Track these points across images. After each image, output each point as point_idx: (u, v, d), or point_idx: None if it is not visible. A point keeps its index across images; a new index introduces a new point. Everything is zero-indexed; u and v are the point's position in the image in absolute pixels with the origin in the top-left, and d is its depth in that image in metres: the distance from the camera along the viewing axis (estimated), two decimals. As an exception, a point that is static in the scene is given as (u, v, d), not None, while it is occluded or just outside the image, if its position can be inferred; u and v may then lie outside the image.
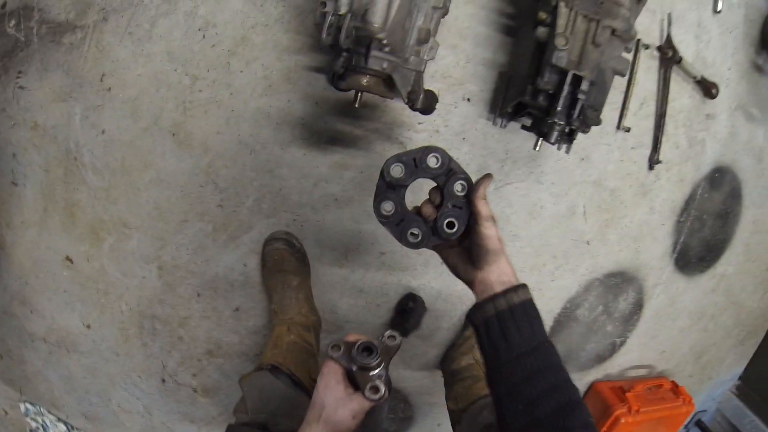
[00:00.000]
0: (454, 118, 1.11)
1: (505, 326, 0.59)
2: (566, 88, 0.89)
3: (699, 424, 2.25)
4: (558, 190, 1.23)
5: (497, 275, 0.62)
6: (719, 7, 1.32)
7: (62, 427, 1.48)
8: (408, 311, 1.22)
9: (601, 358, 1.65)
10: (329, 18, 0.76)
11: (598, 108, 1.00)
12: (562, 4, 0.87)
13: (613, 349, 1.65)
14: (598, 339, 1.58)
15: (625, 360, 1.70)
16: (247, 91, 1.07)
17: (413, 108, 0.93)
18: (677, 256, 1.55)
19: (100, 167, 1.16)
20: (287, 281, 1.09)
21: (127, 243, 1.21)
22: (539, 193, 1.22)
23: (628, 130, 1.25)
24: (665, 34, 1.25)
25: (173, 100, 1.08)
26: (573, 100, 0.91)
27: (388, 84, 0.88)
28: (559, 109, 0.90)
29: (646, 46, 1.21)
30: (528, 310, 0.61)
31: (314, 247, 1.18)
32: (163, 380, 1.37)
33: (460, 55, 1.08)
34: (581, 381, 1.70)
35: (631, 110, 1.24)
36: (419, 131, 1.11)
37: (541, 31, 0.90)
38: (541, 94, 0.93)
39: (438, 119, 1.10)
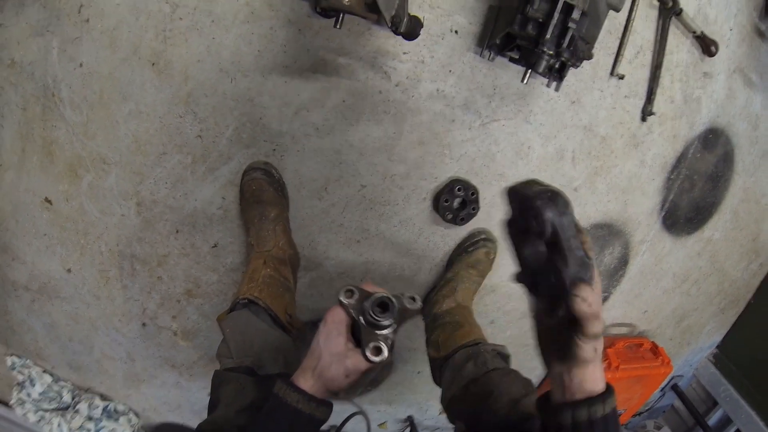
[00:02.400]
0: (441, 49, 1.03)
1: None
2: (556, 16, 0.81)
3: (675, 388, 2.23)
4: (547, 132, 1.16)
5: (591, 383, 0.49)
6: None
7: (48, 378, 1.44)
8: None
9: None
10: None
11: (590, 41, 0.93)
12: None
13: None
14: None
15: (608, 316, 1.66)
16: (229, 18, 0.99)
17: (396, 32, 0.85)
18: (665, 214, 1.49)
19: (78, 102, 1.08)
20: (265, 212, 1.02)
21: (106, 179, 1.13)
22: (527, 133, 1.15)
23: (622, 77, 1.17)
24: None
25: (153, 29, 1.00)
26: (563, 30, 0.84)
27: (370, 6, 0.80)
28: (548, 37, 0.83)
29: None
30: (615, 422, 0.50)
31: (293, 178, 1.11)
32: (144, 324, 1.32)
33: None
34: None
35: (626, 57, 1.17)
36: (404, 61, 1.03)
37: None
38: (530, 22, 0.85)
39: (424, 50, 1.03)
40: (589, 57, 0.94)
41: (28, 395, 1.43)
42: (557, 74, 0.92)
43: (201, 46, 1.01)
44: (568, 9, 0.82)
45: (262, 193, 1.01)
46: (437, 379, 1.03)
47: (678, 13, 1.18)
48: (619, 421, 0.52)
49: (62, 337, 1.38)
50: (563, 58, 0.86)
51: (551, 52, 0.84)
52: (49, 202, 1.19)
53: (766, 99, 1.47)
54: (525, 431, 0.68)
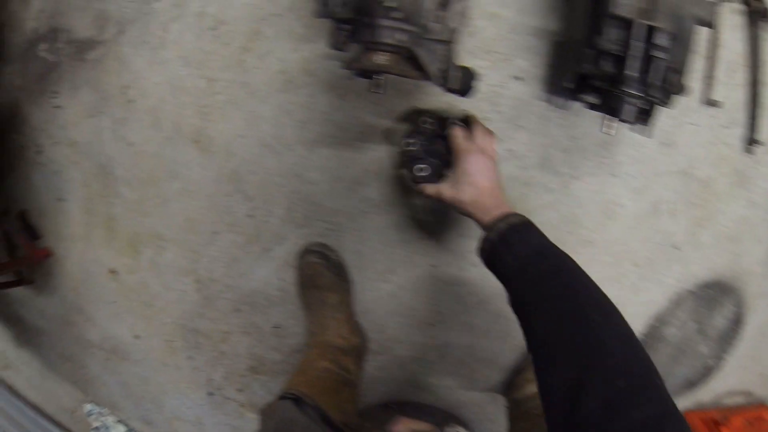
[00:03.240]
0: (504, 101, 0.90)
1: (510, 240, 0.59)
2: (637, 45, 0.65)
3: None
4: (638, 184, 0.98)
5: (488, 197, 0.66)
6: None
7: (122, 428, 1.48)
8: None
9: (691, 383, 1.33)
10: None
11: (680, 70, 0.74)
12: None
13: (706, 373, 1.33)
14: (690, 361, 1.28)
15: (721, 386, 1.37)
16: (264, 88, 0.93)
17: (447, 89, 0.73)
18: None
19: (131, 180, 1.09)
20: (324, 298, 0.94)
21: (164, 255, 1.13)
22: (615, 188, 0.97)
23: (717, 104, 0.98)
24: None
25: (191, 106, 0.98)
26: (647, 61, 0.66)
27: (411, 61, 0.68)
28: (628, 73, 0.67)
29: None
30: (528, 227, 0.62)
31: (355, 259, 1.02)
32: (210, 393, 1.30)
33: (502, 26, 0.86)
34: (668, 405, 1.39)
35: (718, 79, 0.97)
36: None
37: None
38: (604, 57, 0.70)
39: (485, 104, 0.90)
40: (682, 91, 0.76)
41: None
42: (644, 115, 0.75)
43: (240, 120, 0.97)
44: (650, 33, 0.66)
45: (319, 278, 0.93)
46: None
47: (766, 15, 0.98)
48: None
49: (134, 395, 1.41)
50: (651, 96, 0.69)
51: (636, 93, 0.68)
52: (115, 272, 1.22)
53: None
54: None
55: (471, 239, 0.97)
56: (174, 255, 1.12)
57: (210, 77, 0.94)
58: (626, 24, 0.66)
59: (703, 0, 0.70)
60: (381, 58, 0.64)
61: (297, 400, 0.76)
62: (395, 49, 0.64)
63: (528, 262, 0.57)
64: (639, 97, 0.69)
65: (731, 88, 1.00)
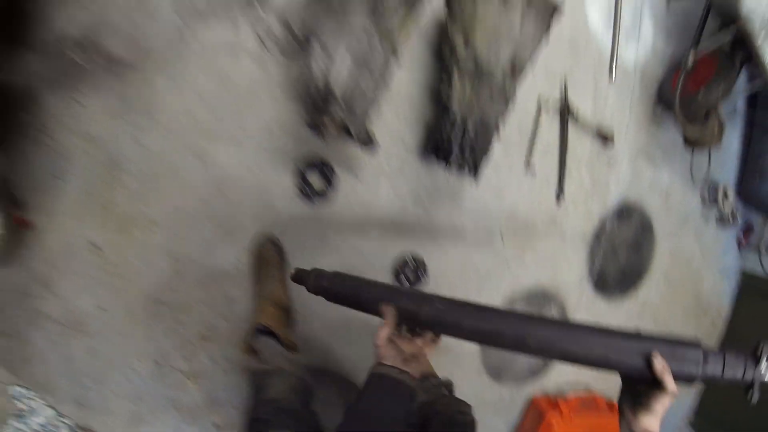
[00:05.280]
0: (393, 160, 1.39)
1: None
2: (458, 134, 1.15)
3: None
4: (476, 217, 1.44)
5: (651, 427, 0.68)
6: (614, 75, 1.57)
7: (50, 411, 1.43)
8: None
9: (534, 372, 1.74)
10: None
11: (486, 143, 1.29)
12: (455, 78, 1.14)
13: (544, 365, 1.74)
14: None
15: (561, 378, 1.78)
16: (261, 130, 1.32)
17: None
18: (595, 279, 1.69)
19: (137, 173, 1.34)
20: (271, 272, 1.31)
21: (153, 238, 1.35)
22: (461, 218, 1.42)
23: (533, 170, 1.46)
24: (563, 96, 1.50)
25: (201, 132, 1.33)
26: (466, 137, 1.21)
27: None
28: (454, 145, 1.20)
29: (546, 106, 1.47)
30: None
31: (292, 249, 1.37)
32: (156, 362, 1.43)
33: (402, 111, 1.38)
34: (519, 393, 1.79)
35: (537, 155, 1.47)
36: (367, 165, 1.38)
37: (444, 96, 1.18)
38: (444, 135, 1.19)
39: (383, 160, 1.36)
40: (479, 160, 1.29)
41: (26, 424, 1.42)
42: (470, 171, 1.22)
43: (234, 154, 1.31)
44: (465, 125, 1.15)
45: (270, 257, 1.32)
46: None
47: (573, 116, 1.50)
48: None
49: (76, 372, 1.45)
50: (465, 161, 1.18)
51: (457, 157, 1.16)
52: (98, 248, 1.36)
53: (672, 172, 1.74)
54: None
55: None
56: (161, 238, 1.33)
57: (218, 116, 1.31)
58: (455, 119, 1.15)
59: (499, 104, 1.19)
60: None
61: (270, 332, 1.15)
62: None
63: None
64: (458, 160, 1.16)
65: (547, 160, 1.49)
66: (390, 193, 1.38)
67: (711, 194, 2.00)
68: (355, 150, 1.34)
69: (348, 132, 1.15)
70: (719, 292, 2.18)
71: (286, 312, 1.30)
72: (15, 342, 1.44)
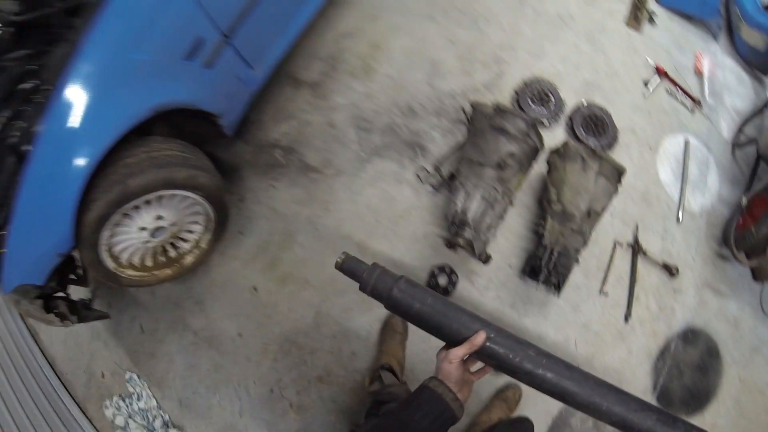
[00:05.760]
0: (501, 275, 1.80)
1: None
2: (546, 257, 1.56)
3: None
4: (557, 325, 1.77)
5: None
6: (680, 218, 1.90)
7: (153, 402, 1.65)
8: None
9: None
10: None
11: (567, 268, 1.64)
12: (549, 218, 1.59)
13: None
14: None
15: None
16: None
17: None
18: (658, 394, 1.88)
19: (305, 245, 1.80)
20: (396, 337, 1.66)
21: (303, 293, 1.72)
22: (546, 327, 1.77)
23: (606, 293, 1.79)
24: (635, 235, 1.85)
25: (362, 231, 1.81)
26: (552, 263, 1.59)
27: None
28: (543, 267, 1.58)
29: (620, 244, 1.83)
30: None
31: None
32: (272, 390, 1.68)
33: (510, 240, 1.82)
34: None
35: (610, 282, 1.80)
36: (482, 275, 1.79)
37: (540, 231, 1.61)
38: (537, 260, 1.60)
39: (493, 274, 1.79)
40: (566, 276, 1.64)
41: (129, 405, 1.67)
42: (557, 288, 1.60)
43: (387, 244, 1.82)
44: (551, 257, 1.56)
45: (397, 327, 1.69)
46: None
47: (644, 252, 1.82)
48: None
49: (193, 377, 1.69)
50: (553, 280, 1.58)
51: (545, 276, 1.55)
52: (255, 290, 1.75)
53: (741, 303, 1.93)
54: None
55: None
56: (310, 294, 1.69)
57: (378, 221, 1.80)
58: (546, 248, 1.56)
59: (578, 240, 1.58)
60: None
61: (391, 369, 1.47)
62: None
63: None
64: (546, 279, 1.55)
65: (618, 287, 1.81)
66: (495, 298, 1.76)
67: None
68: (475, 264, 1.78)
69: (472, 250, 1.59)
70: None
71: (401, 366, 1.62)
72: (148, 338, 1.74)
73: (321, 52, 2.11)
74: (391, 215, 1.83)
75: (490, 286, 1.78)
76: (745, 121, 2.18)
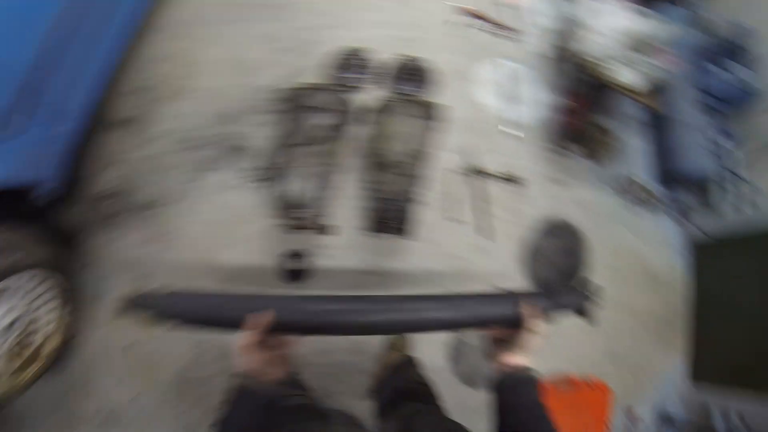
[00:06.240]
0: (351, 238, 1.87)
1: (521, 387, 0.78)
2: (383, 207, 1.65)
3: (663, 416, 2.40)
4: (423, 262, 1.90)
5: (520, 360, 0.80)
6: (511, 132, 2.05)
7: None
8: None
9: None
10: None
11: (404, 211, 1.76)
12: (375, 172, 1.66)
13: None
14: None
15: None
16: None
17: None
18: (538, 287, 2.07)
19: (160, 276, 1.64)
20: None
21: (173, 331, 1.67)
22: (412, 269, 1.89)
23: (459, 220, 1.93)
24: (471, 160, 1.99)
25: (212, 247, 1.83)
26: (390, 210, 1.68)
27: None
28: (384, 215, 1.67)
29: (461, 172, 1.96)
30: (536, 383, 0.79)
31: None
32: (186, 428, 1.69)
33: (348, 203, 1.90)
34: None
35: (460, 209, 1.94)
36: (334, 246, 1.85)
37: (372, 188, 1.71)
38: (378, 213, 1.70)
39: (344, 242, 1.87)
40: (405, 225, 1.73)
41: None
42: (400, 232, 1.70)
43: None
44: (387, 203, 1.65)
45: None
46: None
47: (483, 171, 1.97)
48: (535, 383, 0.78)
49: None
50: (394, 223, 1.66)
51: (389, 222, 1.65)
52: (131, 346, 1.71)
53: (585, 185, 2.14)
54: None
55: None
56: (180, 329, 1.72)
57: (222, 232, 1.82)
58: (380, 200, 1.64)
59: (408, 182, 1.68)
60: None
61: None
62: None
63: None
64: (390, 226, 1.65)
65: (470, 210, 1.94)
66: (356, 261, 1.85)
67: (630, 189, 2.36)
68: (323, 239, 1.84)
69: (315, 227, 1.65)
70: (673, 265, 2.48)
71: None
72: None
73: (134, 84, 2.05)
74: (231, 223, 1.85)
75: (347, 253, 1.85)
76: (555, 35, 2.39)
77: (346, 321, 0.76)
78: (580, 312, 0.88)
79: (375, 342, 1.83)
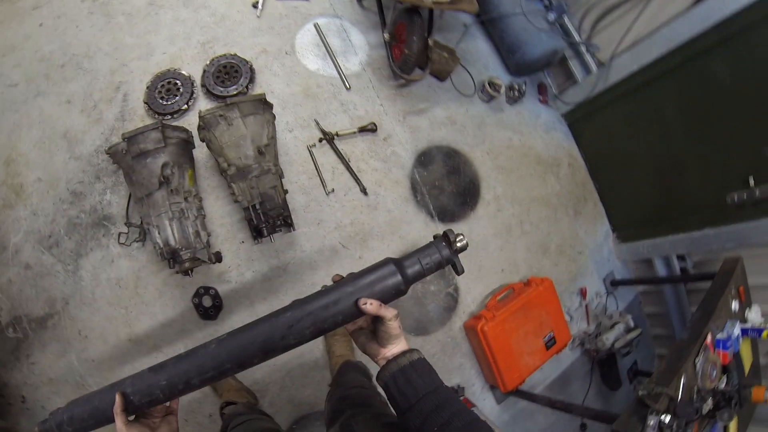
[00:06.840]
0: (241, 255, 1.87)
1: (409, 376, 0.73)
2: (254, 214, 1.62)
3: (612, 282, 2.56)
4: (316, 246, 1.91)
5: (398, 348, 0.77)
6: (349, 86, 2.02)
7: None
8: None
9: (449, 309, 2.10)
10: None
11: (277, 208, 1.73)
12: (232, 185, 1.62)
13: (453, 298, 2.11)
14: (432, 300, 2.04)
15: (472, 297, 2.14)
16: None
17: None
18: (438, 217, 2.11)
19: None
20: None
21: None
22: (308, 256, 1.90)
23: (333, 190, 1.92)
24: (320, 129, 1.96)
25: (122, 324, 1.80)
26: (262, 214, 1.64)
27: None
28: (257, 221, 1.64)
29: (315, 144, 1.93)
30: (423, 364, 0.75)
31: None
32: None
33: (225, 223, 1.88)
34: (452, 330, 2.08)
35: (330, 180, 1.92)
36: (229, 269, 1.85)
37: (237, 200, 1.69)
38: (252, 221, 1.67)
39: (236, 261, 1.86)
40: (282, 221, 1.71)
41: None
42: (277, 229, 1.69)
43: (148, 323, 1.80)
44: (257, 208, 1.64)
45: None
46: None
47: (336, 134, 1.95)
48: (429, 363, 0.76)
49: None
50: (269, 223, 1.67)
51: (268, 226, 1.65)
52: None
53: (443, 103, 2.18)
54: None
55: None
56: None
57: (126, 305, 1.79)
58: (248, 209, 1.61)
59: (269, 179, 1.64)
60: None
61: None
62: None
63: (426, 393, 0.72)
64: (272, 228, 1.62)
65: (338, 177, 1.93)
66: (253, 275, 1.85)
67: (486, 92, 2.39)
68: (216, 268, 1.84)
69: (202, 261, 1.62)
70: (558, 144, 2.57)
71: (247, 392, 1.75)
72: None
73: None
74: (129, 293, 1.83)
75: (243, 270, 1.88)
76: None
77: (186, 381, 0.76)
78: (449, 263, 0.79)
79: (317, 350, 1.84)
